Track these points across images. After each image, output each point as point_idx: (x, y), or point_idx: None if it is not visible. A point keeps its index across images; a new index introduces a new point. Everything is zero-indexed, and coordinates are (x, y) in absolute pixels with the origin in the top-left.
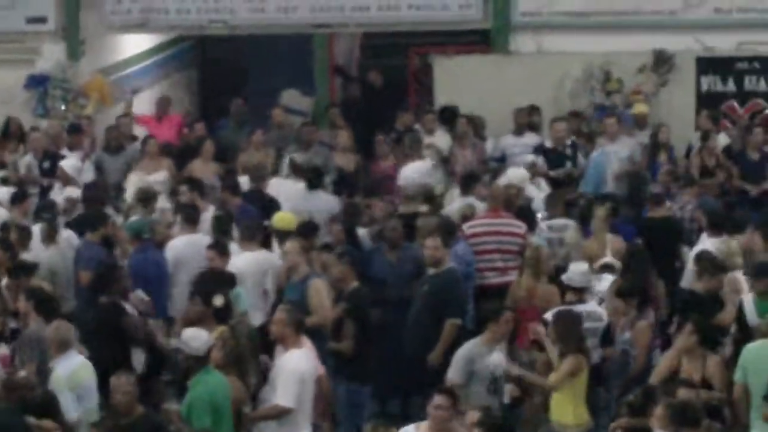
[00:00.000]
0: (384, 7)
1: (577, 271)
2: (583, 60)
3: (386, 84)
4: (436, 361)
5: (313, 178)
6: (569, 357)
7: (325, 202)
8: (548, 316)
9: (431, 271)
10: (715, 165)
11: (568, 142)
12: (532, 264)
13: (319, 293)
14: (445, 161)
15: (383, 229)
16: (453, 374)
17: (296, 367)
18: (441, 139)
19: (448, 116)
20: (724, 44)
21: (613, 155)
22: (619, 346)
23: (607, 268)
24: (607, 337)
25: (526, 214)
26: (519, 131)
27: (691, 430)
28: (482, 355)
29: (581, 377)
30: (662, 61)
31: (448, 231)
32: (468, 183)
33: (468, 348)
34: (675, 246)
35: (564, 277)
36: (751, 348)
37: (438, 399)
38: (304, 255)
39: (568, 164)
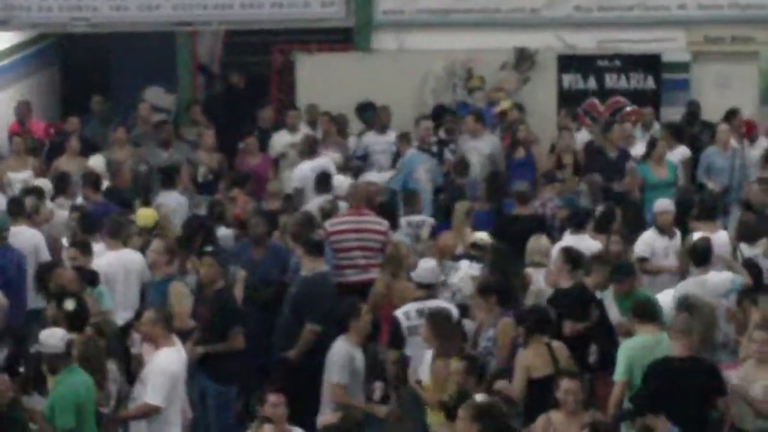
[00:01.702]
0: (246, 5)
1: (425, 267)
2: (446, 58)
3: (249, 82)
4: (293, 362)
5: (164, 177)
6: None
7: (176, 202)
8: (398, 313)
9: (302, 272)
10: (573, 162)
11: (434, 139)
12: (392, 261)
13: (176, 296)
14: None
15: (248, 226)
16: (338, 377)
17: (166, 366)
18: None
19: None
20: (585, 42)
21: (475, 152)
22: (482, 344)
23: (461, 257)
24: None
25: (387, 211)
26: (381, 129)
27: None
28: (355, 353)
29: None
30: (524, 59)
31: (309, 228)
32: (324, 181)
33: (343, 347)
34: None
35: (413, 274)
36: (635, 344)
37: (273, 398)
38: (167, 255)
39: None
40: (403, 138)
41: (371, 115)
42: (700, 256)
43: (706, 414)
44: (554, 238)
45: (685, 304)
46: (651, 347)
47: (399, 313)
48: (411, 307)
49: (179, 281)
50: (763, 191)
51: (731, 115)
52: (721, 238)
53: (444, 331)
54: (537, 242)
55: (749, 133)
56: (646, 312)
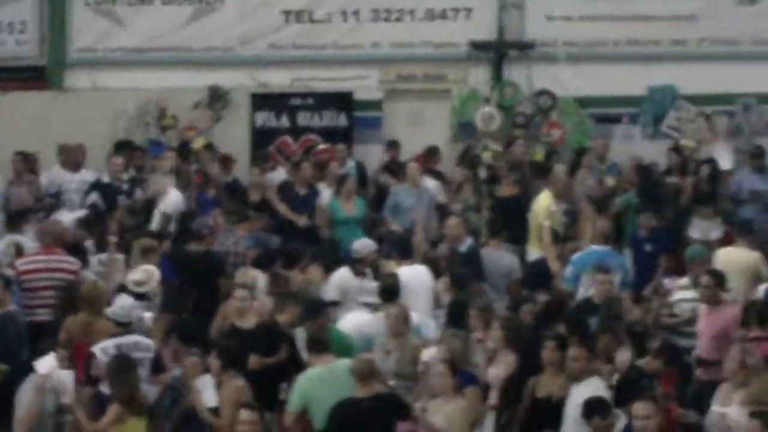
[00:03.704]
0: None
1: (120, 305)
2: (138, 96)
3: None
4: None
5: None
6: (115, 405)
7: None
8: (96, 349)
9: None
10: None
11: (125, 176)
12: (91, 299)
13: None
14: None
15: None
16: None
17: None
18: None
19: None
20: (278, 80)
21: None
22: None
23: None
24: (157, 366)
25: (77, 250)
26: (74, 167)
27: None
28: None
29: (131, 425)
30: (217, 97)
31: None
32: (15, 220)
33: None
34: (214, 279)
35: (108, 311)
36: (309, 376)
37: None
38: None
39: (122, 198)
40: None
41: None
42: (387, 293)
43: None
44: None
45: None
46: (324, 378)
47: (96, 348)
48: (109, 343)
49: None
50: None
51: (431, 153)
52: (419, 272)
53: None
54: (244, 275)
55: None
56: (318, 343)
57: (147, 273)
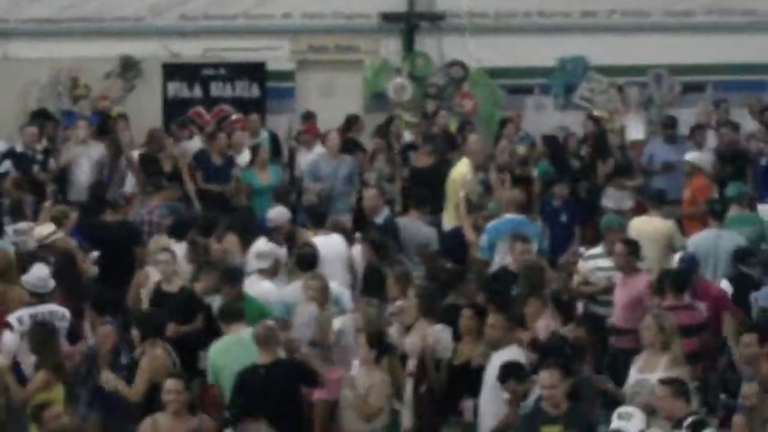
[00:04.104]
0: None
1: (36, 275)
2: (50, 66)
3: None
4: None
5: None
6: (42, 371)
7: None
8: (11, 318)
9: None
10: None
11: (39, 147)
12: (2, 269)
13: None
14: None
15: None
16: None
17: None
18: None
19: None
20: (191, 50)
21: (84, 159)
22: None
23: None
24: (73, 334)
25: None
26: None
27: None
28: None
29: (55, 392)
30: (129, 67)
31: None
32: None
33: None
34: (130, 248)
35: (24, 281)
36: (217, 347)
37: None
38: None
39: (36, 168)
40: None
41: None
42: (305, 262)
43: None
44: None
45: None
46: (230, 348)
47: (11, 318)
48: (24, 312)
49: None
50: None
51: (351, 121)
52: (335, 241)
53: (39, 344)
54: (158, 242)
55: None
56: (230, 313)
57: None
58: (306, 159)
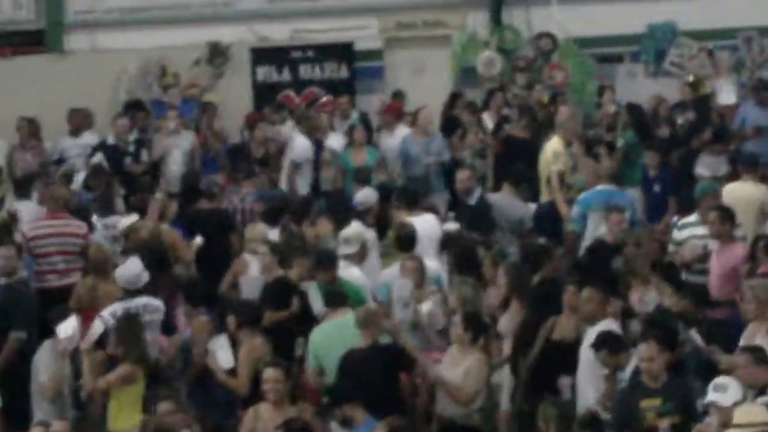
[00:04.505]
0: None
1: (128, 269)
2: (138, 56)
3: None
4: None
5: None
6: (125, 364)
7: None
8: (104, 314)
9: (1, 281)
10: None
11: (131, 138)
12: (97, 264)
13: None
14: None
15: None
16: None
17: None
18: None
19: None
20: (278, 33)
21: (176, 149)
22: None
23: None
24: (168, 326)
25: (83, 214)
26: (75, 132)
27: None
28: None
29: (137, 385)
30: (217, 53)
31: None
32: (24, 186)
33: (51, 351)
34: (226, 237)
35: (116, 276)
36: (320, 331)
37: None
38: None
39: (128, 160)
40: None
41: None
42: (404, 243)
43: (396, 396)
44: None
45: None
46: (332, 332)
47: (105, 313)
48: (117, 307)
49: None
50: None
51: (456, 97)
52: (427, 221)
53: (124, 337)
54: (254, 230)
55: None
56: (335, 296)
57: None
58: (388, 140)
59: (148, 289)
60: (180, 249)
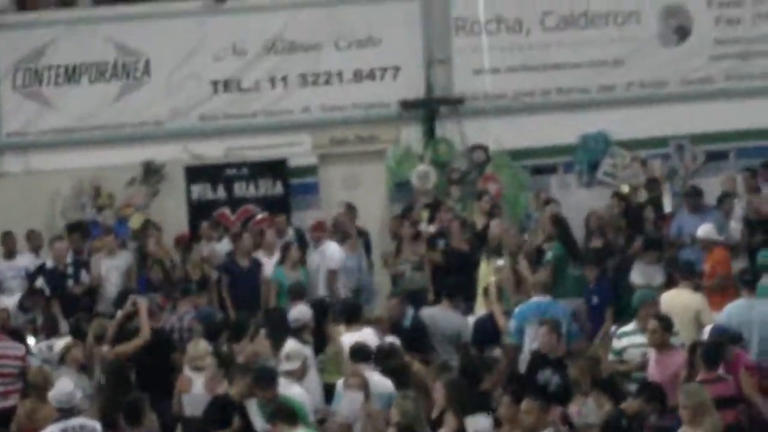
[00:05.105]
0: None
1: (61, 389)
2: (73, 177)
3: None
4: None
5: None
6: None
7: None
8: None
9: None
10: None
11: (69, 260)
12: (37, 386)
13: None
14: None
15: None
16: None
17: None
18: None
19: None
20: (212, 151)
21: (113, 270)
22: None
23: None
24: None
25: (20, 336)
26: (9, 255)
27: None
28: None
29: None
30: (151, 173)
31: None
32: None
33: None
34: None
35: (50, 396)
36: None
37: None
38: None
39: (71, 282)
40: None
41: None
42: (358, 355)
43: None
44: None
45: None
46: None
47: None
48: (55, 428)
49: None
50: None
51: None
52: (365, 336)
53: None
54: (197, 347)
55: None
56: (282, 414)
57: None
58: (316, 256)
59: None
60: None
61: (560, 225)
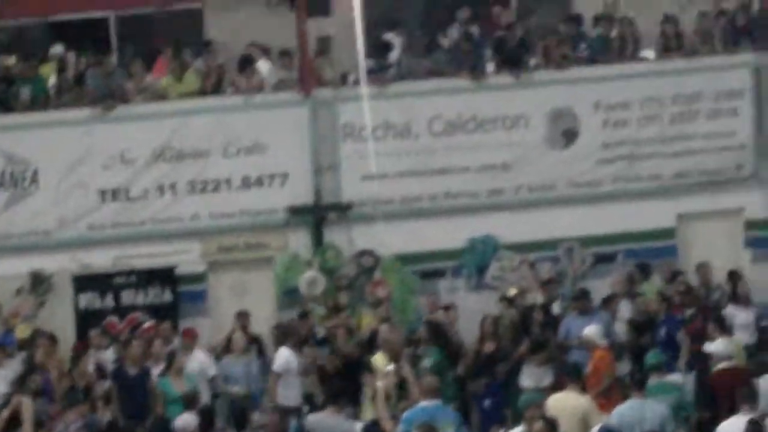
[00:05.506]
0: None
1: None
2: None
3: None
4: None
5: None
6: None
7: None
8: None
9: None
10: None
11: None
12: None
13: None
14: None
15: None
16: None
17: None
18: None
19: None
20: (100, 260)
21: (2, 380)
22: None
23: None
24: None
25: None
26: None
27: None
28: None
29: None
30: (39, 282)
31: None
32: None
33: None
34: None
35: None
36: None
37: None
38: None
39: None
40: None
41: None
42: None
43: None
44: None
45: None
46: None
47: None
48: None
49: None
50: None
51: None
52: None
53: None
54: None
55: None
56: None
57: None
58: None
59: None
60: None
61: (436, 330)
